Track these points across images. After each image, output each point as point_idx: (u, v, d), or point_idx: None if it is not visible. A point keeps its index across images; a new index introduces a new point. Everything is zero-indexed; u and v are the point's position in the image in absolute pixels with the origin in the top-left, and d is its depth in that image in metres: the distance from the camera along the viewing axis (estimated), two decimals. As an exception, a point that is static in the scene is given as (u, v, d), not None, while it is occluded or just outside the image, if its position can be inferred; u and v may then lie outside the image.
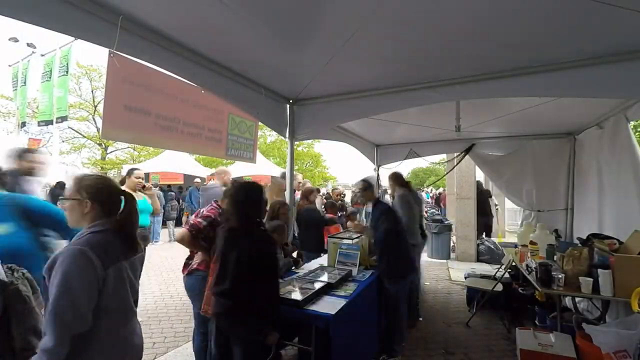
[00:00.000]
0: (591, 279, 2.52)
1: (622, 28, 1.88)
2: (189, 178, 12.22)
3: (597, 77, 2.22)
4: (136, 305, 1.43)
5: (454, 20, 1.89)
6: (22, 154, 2.64)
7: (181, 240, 2.35)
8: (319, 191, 5.46)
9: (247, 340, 1.75)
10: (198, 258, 2.49)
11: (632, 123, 3.21)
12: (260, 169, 11.54)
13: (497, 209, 8.53)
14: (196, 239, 2.36)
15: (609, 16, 1.76)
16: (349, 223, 4.55)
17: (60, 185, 7.18)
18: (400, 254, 2.88)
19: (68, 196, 1.30)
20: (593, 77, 2.23)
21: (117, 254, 1.29)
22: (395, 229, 2.89)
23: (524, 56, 2.29)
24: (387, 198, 5.18)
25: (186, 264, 2.56)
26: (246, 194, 1.90)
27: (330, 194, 6.92)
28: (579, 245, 3.01)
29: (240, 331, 1.75)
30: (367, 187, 3.11)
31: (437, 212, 8.61)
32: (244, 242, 1.75)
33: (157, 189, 9.23)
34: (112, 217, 1.33)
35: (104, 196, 1.32)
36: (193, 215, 2.50)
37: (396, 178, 4.02)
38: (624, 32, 1.93)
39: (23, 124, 10.03)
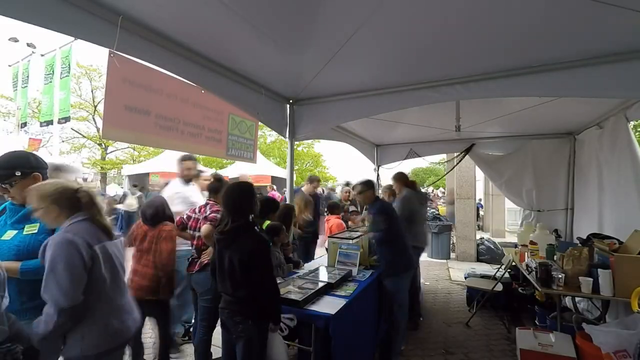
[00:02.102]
0: (591, 279, 2.52)
1: (622, 28, 1.88)
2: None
3: (597, 77, 2.21)
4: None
5: (454, 20, 1.89)
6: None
7: (209, 235, 2.39)
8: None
9: (248, 337, 1.78)
10: (206, 255, 2.55)
11: (632, 123, 3.21)
12: (261, 169, 11.54)
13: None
14: None
15: (609, 16, 1.76)
16: (349, 223, 4.56)
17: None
18: (398, 249, 2.89)
19: (35, 208, 1.43)
20: (593, 77, 2.22)
21: (99, 236, 1.49)
22: (394, 225, 2.89)
23: (524, 56, 2.29)
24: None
25: (192, 262, 2.60)
26: (238, 194, 1.90)
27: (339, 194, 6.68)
28: (579, 245, 3.01)
29: (241, 328, 1.78)
30: (367, 189, 3.05)
31: (437, 212, 8.58)
32: (234, 245, 1.79)
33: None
34: (81, 210, 1.49)
35: (63, 198, 1.46)
36: (201, 217, 2.61)
37: (401, 178, 3.92)
38: (624, 32, 1.93)
39: (24, 124, 10.03)
